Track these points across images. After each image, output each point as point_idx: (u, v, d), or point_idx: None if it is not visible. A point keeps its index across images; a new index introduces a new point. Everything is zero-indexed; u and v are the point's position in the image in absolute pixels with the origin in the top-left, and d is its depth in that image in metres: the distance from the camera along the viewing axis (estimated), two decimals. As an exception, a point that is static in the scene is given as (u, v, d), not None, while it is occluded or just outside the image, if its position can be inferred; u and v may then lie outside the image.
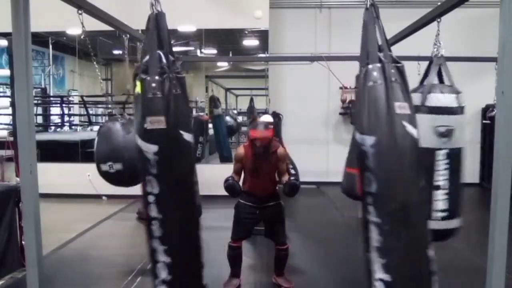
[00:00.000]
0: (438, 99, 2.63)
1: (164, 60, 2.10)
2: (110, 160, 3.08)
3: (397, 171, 2.01)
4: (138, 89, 2.10)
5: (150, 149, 2.08)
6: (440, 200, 2.65)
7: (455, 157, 2.66)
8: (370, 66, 2.08)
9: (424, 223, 2.09)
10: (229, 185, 3.20)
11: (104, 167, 3.12)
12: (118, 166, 3.07)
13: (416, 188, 2.04)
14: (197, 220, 2.32)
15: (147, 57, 2.10)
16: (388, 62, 2.07)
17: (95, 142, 3.26)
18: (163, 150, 2.09)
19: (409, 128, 2.00)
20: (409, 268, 1.98)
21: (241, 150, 3.30)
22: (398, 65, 2.11)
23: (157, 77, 2.06)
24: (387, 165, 2.01)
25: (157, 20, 2.10)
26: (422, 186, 2.07)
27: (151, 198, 2.14)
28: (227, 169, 3.41)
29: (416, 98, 2.62)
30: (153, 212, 2.15)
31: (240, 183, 3.33)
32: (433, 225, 2.53)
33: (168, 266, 2.18)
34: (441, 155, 2.61)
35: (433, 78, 2.77)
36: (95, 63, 3.48)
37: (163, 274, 2.18)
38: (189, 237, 2.27)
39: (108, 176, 3.17)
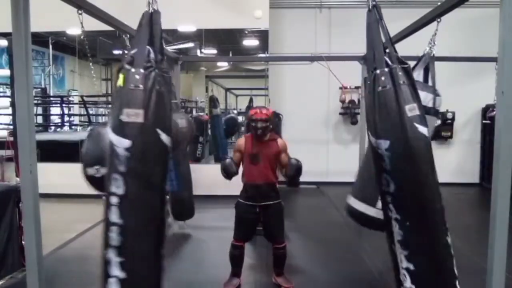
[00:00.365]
0: None
1: (152, 56, 2.00)
2: (97, 163, 2.87)
3: (412, 171, 2.09)
4: (120, 81, 1.98)
5: (122, 143, 1.93)
6: None
7: None
8: (378, 71, 2.11)
9: (441, 214, 2.15)
10: (226, 165, 3.23)
11: (91, 170, 2.95)
12: (105, 171, 2.93)
13: (431, 183, 2.12)
14: (163, 234, 2.12)
15: (134, 50, 2.02)
16: (395, 66, 2.09)
17: (84, 144, 3.15)
18: (135, 146, 1.93)
19: (421, 128, 2.06)
20: (429, 256, 2.10)
21: (241, 140, 3.35)
22: (405, 66, 2.12)
23: (141, 70, 1.95)
24: (403, 166, 2.10)
25: (151, 17, 2.05)
26: (436, 179, 2.14)
27: (113, 200, 1.94)
28: (227, 169, 3.40)
29: None
30: (114, 216, 1.93)
31: (240, 184, 3.34)
32: (376, 213, 2.75)
33: (121, 283, 1.93)
34: None
35: (417, 75, 2.79)
36: (91, 64, 3.44)
37: None
38: (152, 253, 2.05)
39: (93, 181, 2.99)
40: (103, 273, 1.97)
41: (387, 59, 2.12)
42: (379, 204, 2.74)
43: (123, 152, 1.92)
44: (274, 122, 3.32)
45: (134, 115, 1.91)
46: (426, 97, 2.68)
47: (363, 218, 2.98)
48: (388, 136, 2.08)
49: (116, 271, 1.93)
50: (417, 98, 2.11)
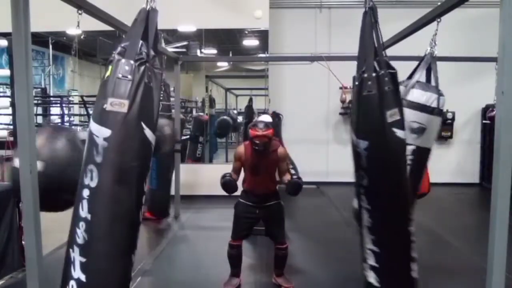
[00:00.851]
0: (419, 95, 2.71)
1: (144, 50, 1.95)
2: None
3: (386, 171, 2.26)
4: (108, 73, 1.91)
5: (102, 133, 1.83)
6: None
7: (420, 155, 2.73)
8: (365, 75, 2.18)
9: (407, 208, 2.33)
10: (225, 182, 3.21)
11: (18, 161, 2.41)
12: (37, 165, 2.35)
13: (402, 181, 2.29)
14: (135, 238, 1.98)
15: (127, 42, 1.97)
16: (383, 72, 2.15)
17: None
18: (116, 136, 1.83)
19: (399, 133, 2.19)
20: (392, 240, 2.33)
21: (241, 148, 3.30)
22: (392, 71, 2.19)
23: (132, 61, 1.89)
24: (377, 165, 2.25)
25: (147, 14, 2.02)
26: (406, 177, 2.32)
27: (85, 192, 1.84)
28: (227, 169, 3.40)
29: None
30: (83, 210, 1.83)
31: (240, 181, 3.34)
32: None
33: (81, 286, 1.82)
34: (407, 151, 2.68)
35: (420, 75, 2.81)
36: (64, 62, 3.32)
37: None
38: (119, 256, 1.91)
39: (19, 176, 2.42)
40: (64, 273, 1.88)
41: (376, 64, 2.18)
42: None
43: (102, 142, 1.83)
44: (278, 137, 3.28)
45: (118, 105, 1.84)
46: (430, 98, 2.70)
47: None
48: (367, 137, 2.22)
49: (78, 273, 1.83)
50: (399, 103, 2.21)
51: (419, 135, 2.70)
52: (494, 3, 3.75)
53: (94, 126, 1.88)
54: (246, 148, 3.25)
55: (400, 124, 2.19)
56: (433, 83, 2.84)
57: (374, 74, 2.16)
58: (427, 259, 3.96)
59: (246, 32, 7.91)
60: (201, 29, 7.37)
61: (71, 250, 1.88)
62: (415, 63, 4.18)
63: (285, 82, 7.91)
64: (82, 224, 1.84)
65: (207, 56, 8.16)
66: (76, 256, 1.85)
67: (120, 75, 1.88)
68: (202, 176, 6.72)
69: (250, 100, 8.41)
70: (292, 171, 6.50)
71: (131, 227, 1.97)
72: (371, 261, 2.35)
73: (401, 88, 2.72)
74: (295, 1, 7.91)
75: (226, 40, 8.55)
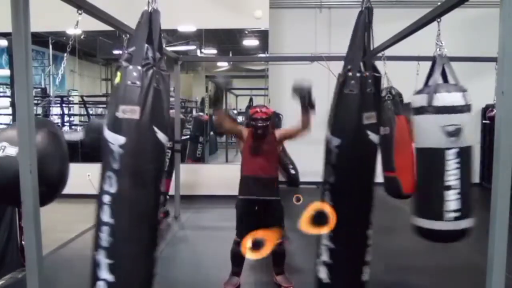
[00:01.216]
0: (445, 98, 2.64)
1: (150, 54, 1.98)
2: (6, 140, 2.33)
3: (352, 170, 2.31)
4: (117, 79, 1.96)
5: (117, 140, 1.89)
6: (452, 200, 2.67)
7: (465, 155, 2.71)
8: (350, 74, 2.21)
9: (368, 212, 2.39)
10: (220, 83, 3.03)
11: None
12: (11, 151, 2.28)
13: (368, 184, 2.38)
14: (156, 237, 2.06)
15: (132, 48, 2.00)
16: (367, 74, 2.19)
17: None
18: (130, 143, 1.89)
19: (372, 136, 2.23)
20: (348, 239, 2.38)
21: (244, 128, 3.38)
22: (377, 75, 2.23)
23: (139, 67, 1.93)
24: (346, 165, 2.32)
25: (150, 16, 2.04)
26: (372, 181, 2.38)
27: (106, 198, 1.91)
28: (227, 169, 3.41)
29: (423, 99, 2.65)
30: (105, 215, 1.91)
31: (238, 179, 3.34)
32: (447, 226, 2.73)
33: (109, 287, 1.90)
34: (451, 155, 2.65)
35: (437, 78, 2.77)
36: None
37: None
38: (143, 255, 2.00)
39: None
40: (92, 275, 1.96)
41: (361, 65, 2.20)
42: (446, 215, 2.74)
43: (117, 149, 1.89)
44: (273, 121, 3.34)
45: (130, 112, 1.88)
46: (455, 97, 2.65)
47: (433, 234, 2.86)
48: (340, 135, 2.27)
49: (105, 274, 1.90)
50: (377, 107, 2.25)
51: (457, 136, 2.63)
52: (494, 3, 3.75)
53: (108, 134, 1.93)
54: (249, 132, 3.32)
55: (375, 128, 2.22)
56: (451, 81, 2.80)
57: (358, 74, 2.19)
58: (427, 259, 3.97)
59: (246, 32, 7.91)
60: (201, 29, 7.37)
61: (96, 253, 1.97)
62: (415, 63, 4.19)
63: (285, 82, 7.88)
64: (105, 229, 1.92)
65: (207, 56, 8.16)
66: (102, 259, 1.93)
67: (129, 82, 1.92)
68: (202, 176, 6.71)
69: (250, 100, 8.40)
70: (292, 171, 6.52)
71: (152, 227, 2.05)
72: (325, 257, 2.41)
73: (424, 96, 2.66)
74: (295, 1, 7.91)
75: (226, 40, 8.55)
